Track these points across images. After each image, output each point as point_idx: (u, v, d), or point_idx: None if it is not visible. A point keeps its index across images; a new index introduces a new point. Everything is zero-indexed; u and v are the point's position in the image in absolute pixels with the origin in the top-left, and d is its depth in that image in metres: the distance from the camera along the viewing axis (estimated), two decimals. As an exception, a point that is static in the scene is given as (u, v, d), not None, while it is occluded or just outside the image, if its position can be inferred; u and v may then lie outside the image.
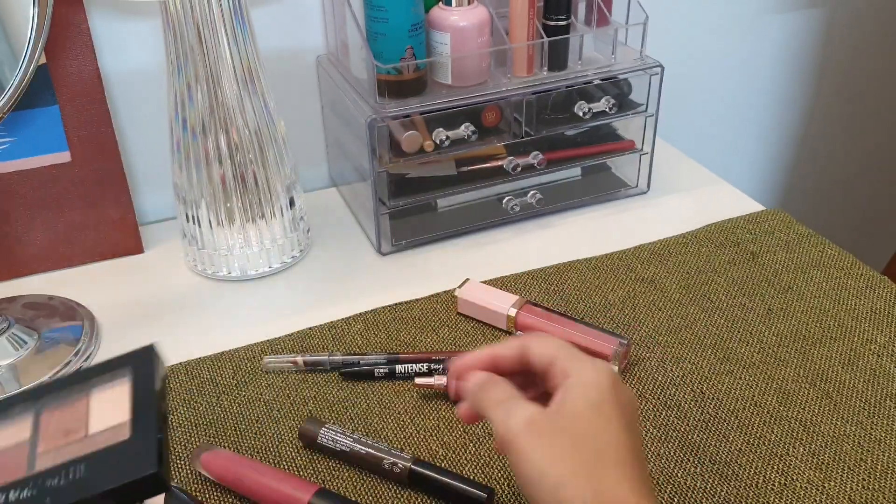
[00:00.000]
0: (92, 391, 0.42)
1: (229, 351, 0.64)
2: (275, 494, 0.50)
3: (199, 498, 0.52)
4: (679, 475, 0.53)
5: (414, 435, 0.56)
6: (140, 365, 0.43)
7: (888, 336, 0.64)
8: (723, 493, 0.51)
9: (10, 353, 0.63)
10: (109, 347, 0.66)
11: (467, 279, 0.69)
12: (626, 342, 0.61)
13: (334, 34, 0.80)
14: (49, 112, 0.70)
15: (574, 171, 0.83)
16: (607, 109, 0.77)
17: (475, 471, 0.53)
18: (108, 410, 0.41)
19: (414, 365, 0.60)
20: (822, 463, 0.53)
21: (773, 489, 0.51)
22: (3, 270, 0.73)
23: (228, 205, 0.70)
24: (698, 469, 0.53)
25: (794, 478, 0.52)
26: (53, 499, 0.37)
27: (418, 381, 0.58)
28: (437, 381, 0.58)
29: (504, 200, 0.79)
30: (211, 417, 0.58)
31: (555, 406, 0.40)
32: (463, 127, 0.72)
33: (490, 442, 0.55)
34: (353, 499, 0.51)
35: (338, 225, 0.82)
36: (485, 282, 0.70)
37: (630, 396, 0.41)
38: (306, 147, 0.87)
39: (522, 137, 0.75)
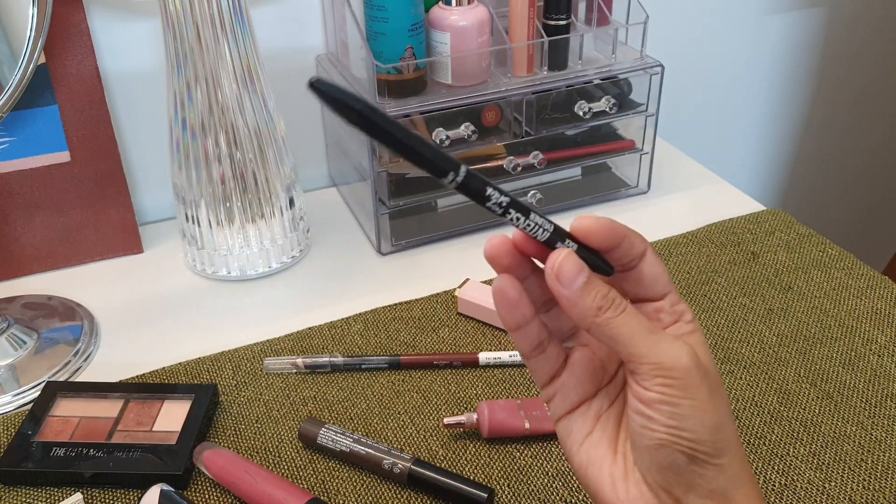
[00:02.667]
0: (166, 400, 0.58)
1: (229, 351, 0.64)
2: (266, 501, 0.50)
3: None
4: (679, 475, 0.52)
5: (414, 435, 0.56)
6: (201, 395, 0.57)
7: (889, 336, 0.64)
8: (723, 494, 0.51)
9: (10, 354, 0.63)
10: (109, 347, 0.66)
11: (467, 279, 0.68)
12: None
13: (334, 34, 0.80)
14: (48, 112, 0.70)
15: (574, 171, 0.83)
16: (607, 109, 0.77)
17: (475, 471, 0.53)
18: (169, 418, 0.56)
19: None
20: (823, 463, 0.53)
21: (773, 489, 0.51)
22: (2, 270, 0.73)
23: (228, 205, 0.69)
24: (699, 469, 0.53)
25: (795, 478, 0.52)
26: (114, 464, 0.53)
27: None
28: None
29: (504, 200, 0.79)
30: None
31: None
32: (463, 127, 0.72)
33: (488, 443, 0.55)
34: (353, 500, 0.51)
35: (338, 225, 0.81)
36: (485, 282, 0.69)
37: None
38: (306, 147, 0.87)
39: (522, 137, 0.75)
